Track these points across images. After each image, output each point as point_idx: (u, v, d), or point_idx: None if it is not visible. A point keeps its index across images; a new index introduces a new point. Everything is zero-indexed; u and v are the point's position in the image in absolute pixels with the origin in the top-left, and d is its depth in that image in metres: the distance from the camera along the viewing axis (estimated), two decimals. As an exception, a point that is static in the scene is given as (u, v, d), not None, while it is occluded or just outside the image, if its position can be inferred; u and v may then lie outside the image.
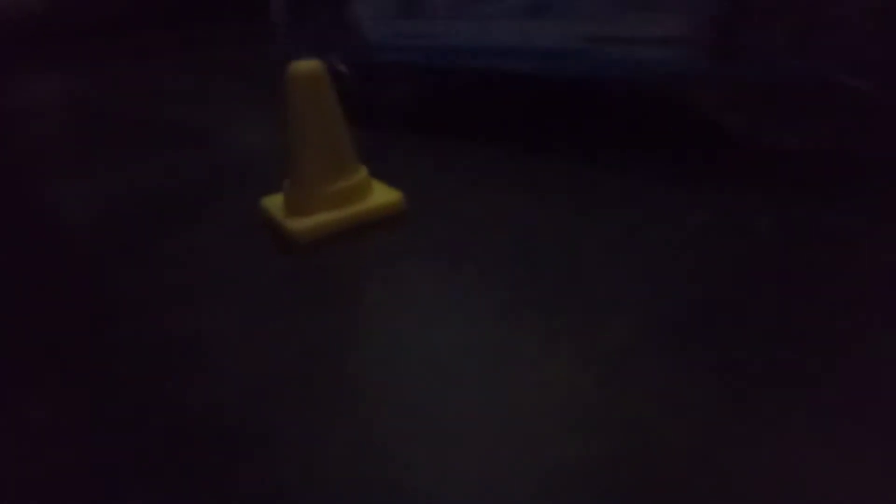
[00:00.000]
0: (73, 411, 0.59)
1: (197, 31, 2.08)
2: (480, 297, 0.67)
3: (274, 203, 0.89)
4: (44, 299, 0.76)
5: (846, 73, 0.76)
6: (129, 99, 1.48)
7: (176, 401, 0.58)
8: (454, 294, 0.68)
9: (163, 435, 0.55)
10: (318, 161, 0.82)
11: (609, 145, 0.98)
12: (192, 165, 1.10)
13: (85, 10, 2.29)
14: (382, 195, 0.86)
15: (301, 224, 0.81)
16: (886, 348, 0.54)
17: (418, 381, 0.58)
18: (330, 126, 0.82)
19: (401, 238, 0.81)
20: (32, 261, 0.85)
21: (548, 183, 0.89)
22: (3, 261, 0.87)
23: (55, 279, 0.81)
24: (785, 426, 0.49)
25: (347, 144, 0.84)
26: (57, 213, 0.99)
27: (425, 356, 0.60)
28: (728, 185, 0.81)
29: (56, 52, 1.96)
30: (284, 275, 0.75)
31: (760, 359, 0.55)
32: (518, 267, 0.71)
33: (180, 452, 0.53)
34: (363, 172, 0.86)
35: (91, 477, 0.52)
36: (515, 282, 0.69)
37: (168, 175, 1.07)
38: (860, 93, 0.76)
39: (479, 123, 1.13)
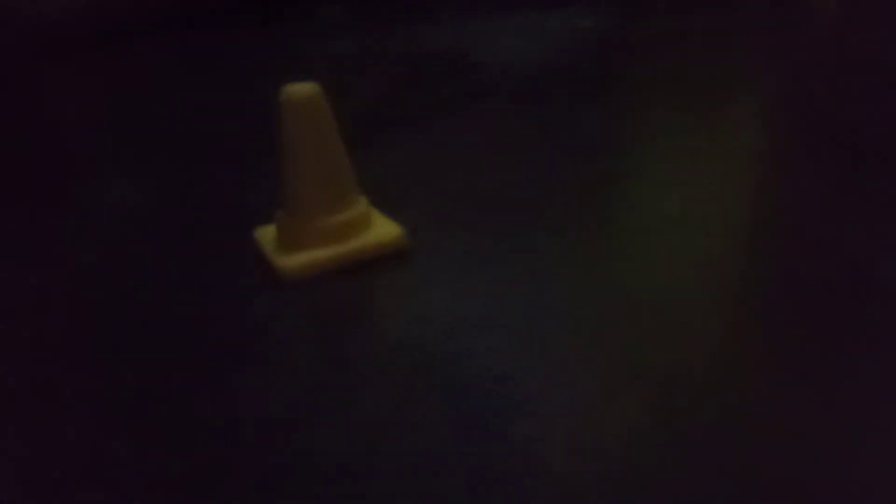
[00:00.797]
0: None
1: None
2: (484, 351, 0.60)
3: (267, 234, 0.83)
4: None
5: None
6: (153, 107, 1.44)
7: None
8: (452, 346, 0.61)
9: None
10: (313, 192, 0.76)
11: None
12: (193, 183, 1.04)
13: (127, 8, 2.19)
14: (382, 230, 0.79)
15: (292, 261, 0.75)
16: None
17: (407, 442, 0.51)
18: (327, 154, 0.76)
19: (400, 276, 0.74)
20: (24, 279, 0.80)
21: (561, 217, 0.82)
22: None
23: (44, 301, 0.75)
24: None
25: (346, 174, 0.78)
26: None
27: (421, 415, 0.54)
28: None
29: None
30: (269, 316, 0.69)
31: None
32: (527, 313, 0.64)
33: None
34: (362, 205, 0.79)
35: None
36: (523, 331, 0.62)
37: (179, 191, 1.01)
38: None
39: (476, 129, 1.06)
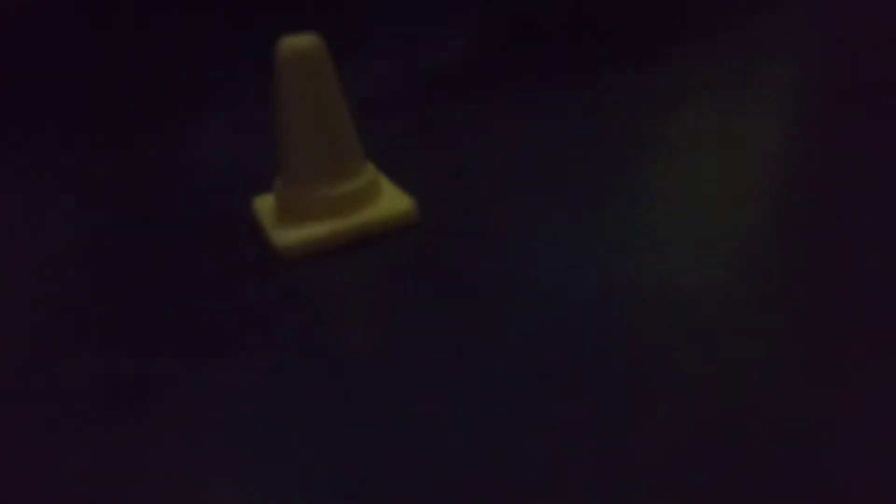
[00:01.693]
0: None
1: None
2: (494, 354, 0.52)
3: (266, 205, 0.75)
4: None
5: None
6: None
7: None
8: (461, 347, 0.54)
9: None
10: (313, 159, 0.68)
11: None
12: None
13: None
14: (391, 202, 0.71)
15: (289, 236, 0.67)
16: None
17: (412, 446, 0.44)
18: (329, 117, 0.67)
19: (410, 254, 0.66)
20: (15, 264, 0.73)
21: (584, 189, 0.73)
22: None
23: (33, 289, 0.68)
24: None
25: (350, 139, 0.70)
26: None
27: (428, 415, 0.46)
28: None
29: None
30: (261, 298, 0.62)
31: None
32: (547, 298, 0.56)
33: None
34: (369, 173, 0.71)
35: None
36: (542, 319, 0.54)
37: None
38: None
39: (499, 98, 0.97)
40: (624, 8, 1.40)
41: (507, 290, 0.59)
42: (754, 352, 0.50)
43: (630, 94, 0.99)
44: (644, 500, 0.40)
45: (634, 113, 0.93)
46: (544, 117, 0.93)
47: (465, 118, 0.96)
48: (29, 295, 0.66)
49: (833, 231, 0.63)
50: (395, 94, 1.07)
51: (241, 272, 0.66)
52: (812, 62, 1.02)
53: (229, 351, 0.56)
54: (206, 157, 0.93)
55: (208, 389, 0.52)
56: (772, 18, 1.24)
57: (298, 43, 0.64)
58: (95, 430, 0.49)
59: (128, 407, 0.51)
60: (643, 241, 0.64)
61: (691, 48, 1.14)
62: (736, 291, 0.56)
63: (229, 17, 1.59)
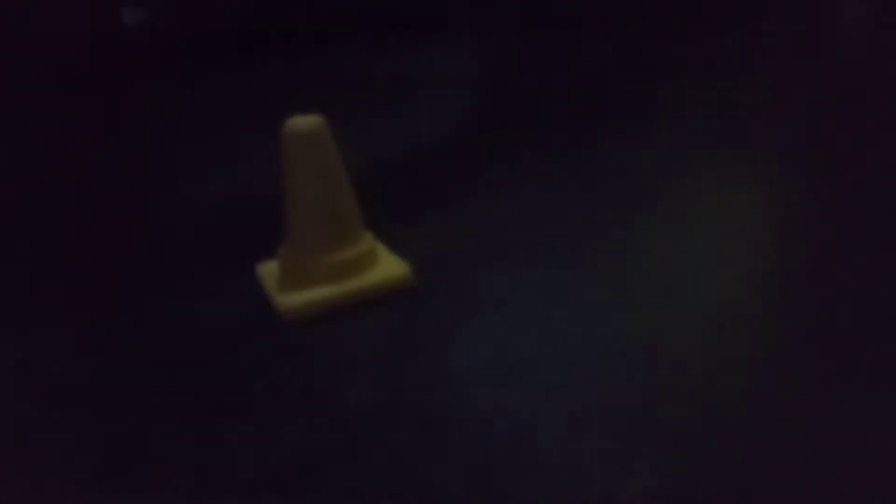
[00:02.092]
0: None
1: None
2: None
3: (270, 270, 0.80)
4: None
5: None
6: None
7: None
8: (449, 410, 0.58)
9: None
10: (316, 229, 0.73)
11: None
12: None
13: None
14: (388, 268, 0.76)
15: (292, 300, 0.72)
16: None
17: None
18: (331, 190, 0.73)
19: (406, 317, 0.71)
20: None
21: (581, 254, 0.79)
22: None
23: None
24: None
25: (351, 210, 0.75)
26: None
27: (425, 473, 0.50)
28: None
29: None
30: (264, 358, 0.66)
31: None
32: (543, 361, 0.61)
33: None
34: (367, 242, 0.76)
35: None
36: (538, 382, 0.58)
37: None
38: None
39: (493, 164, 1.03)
40: (617, 76, 1.48)
41: (500, 354, 0.64)
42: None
43: (624, 159, 1.05)
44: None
45: (628, 177, 0.99)
46: (538, 183, 0.99)
47: (460, 184, 1.02)
48: (29, 352, 0.70)
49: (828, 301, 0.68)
50: (393, 160, 1.13)
51: (246, 329, 0.70)
52: (805, 125, 1.10)
53: (235, 403, 0.59)
54: (213, 214, 0.98)
55: (212, 441, 0.55)
56: (761, 77, 1.32)
57: (304, 123, 0.70)
58: (97, 486, 0.52)
59: (130, 461, 0.54)
60: (633, 301, 0.69)
61: (687, 108, 1.21)
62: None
63: (235, 84, 1.67)
